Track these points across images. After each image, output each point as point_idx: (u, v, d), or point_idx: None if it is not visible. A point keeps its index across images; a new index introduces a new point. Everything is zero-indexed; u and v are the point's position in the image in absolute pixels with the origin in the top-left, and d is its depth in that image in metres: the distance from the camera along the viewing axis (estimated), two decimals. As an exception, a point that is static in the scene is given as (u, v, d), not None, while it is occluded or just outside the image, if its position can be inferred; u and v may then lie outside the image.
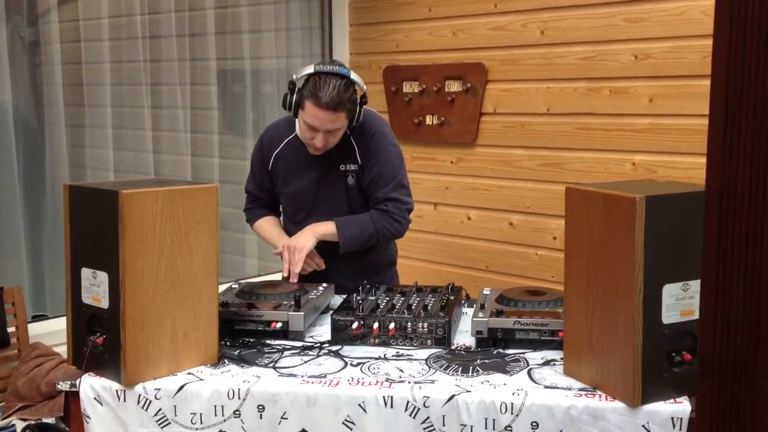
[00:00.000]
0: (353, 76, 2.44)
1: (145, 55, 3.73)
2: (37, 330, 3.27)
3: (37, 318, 3.41)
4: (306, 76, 2.43)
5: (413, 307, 2.26)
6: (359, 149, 2.59)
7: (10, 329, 3.15)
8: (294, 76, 2.47)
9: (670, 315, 1.74)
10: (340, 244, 2.57)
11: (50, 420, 2.91)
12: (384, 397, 1.85)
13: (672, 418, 1.74)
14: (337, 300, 2.53)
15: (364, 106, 2.52)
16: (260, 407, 1.90)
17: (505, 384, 1.88)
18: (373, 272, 2.72)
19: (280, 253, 2.58)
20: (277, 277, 2.93)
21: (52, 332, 3.22)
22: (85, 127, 3.63)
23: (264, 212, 2.81)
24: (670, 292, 1.73)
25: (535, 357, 2.05)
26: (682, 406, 1.75)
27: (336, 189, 2.62)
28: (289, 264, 2.49)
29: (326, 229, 2.57)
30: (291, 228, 2.74)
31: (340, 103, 2.39)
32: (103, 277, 1.92)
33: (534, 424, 1.79)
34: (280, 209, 2.84)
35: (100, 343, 1.94)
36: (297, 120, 2.54)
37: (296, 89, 2.44)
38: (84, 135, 3.63)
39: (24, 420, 2.92)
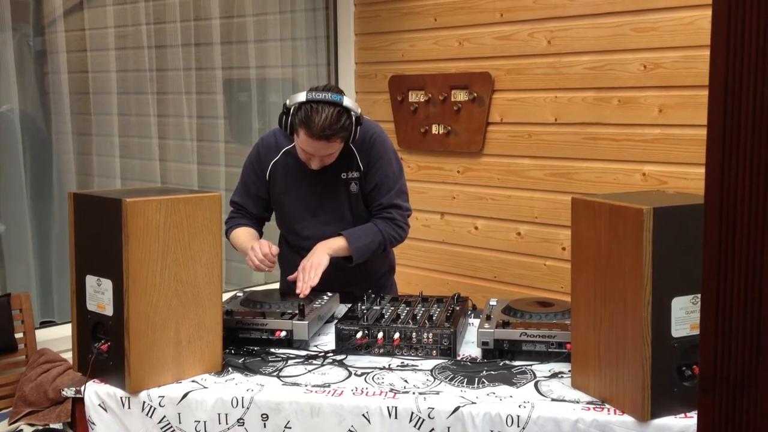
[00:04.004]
0: (346, 102, 2.40)
1: (151, 64, 3.74)
2: (44, 336, 3.28)
3: (45, 324, 3.43)
4: (298, 104, 2.39)
5: (418, 317, 2.24)
6: (360, 156, 2.58)
7: (18, 335, 3.17)
8: (287, 101, 2.44)
9: (679, 328, 1.72)
10: (353, 256, 2.54)
11: (58, 425, 2.92)
12: (388, 407, 1.84)
13: None
14: (342, 309, 2.52)
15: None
16: (264, 416, 1.90)
17: (511, 396, 1.86)
18: (374, 279, 2.72)
19: (294, 277, 2.51)
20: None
21: (60, 338, 3.24)
22: (91, 135, 3.64)
23: (245, 222, 2.69)
24: (680, 305, 1.71)
25: (542, 369, 2.03)
26: (692, 421, 1.72)
27: (338, 197, 2.61)
28: (304, 281, 2.43)
29: (337, 244, 2.53)
30: (290, 238, 2.73)
31: (333, 133, 2.38)
32: (107, 284, 1.92)
33: (540, 436, 1.77)
34: (266, 224, 2.77)
35: (105, 350, 1.95)
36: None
37: (290, 113, 2.42)
38: (91, 143, 3.65)
39: (31, 425, 2.93)
